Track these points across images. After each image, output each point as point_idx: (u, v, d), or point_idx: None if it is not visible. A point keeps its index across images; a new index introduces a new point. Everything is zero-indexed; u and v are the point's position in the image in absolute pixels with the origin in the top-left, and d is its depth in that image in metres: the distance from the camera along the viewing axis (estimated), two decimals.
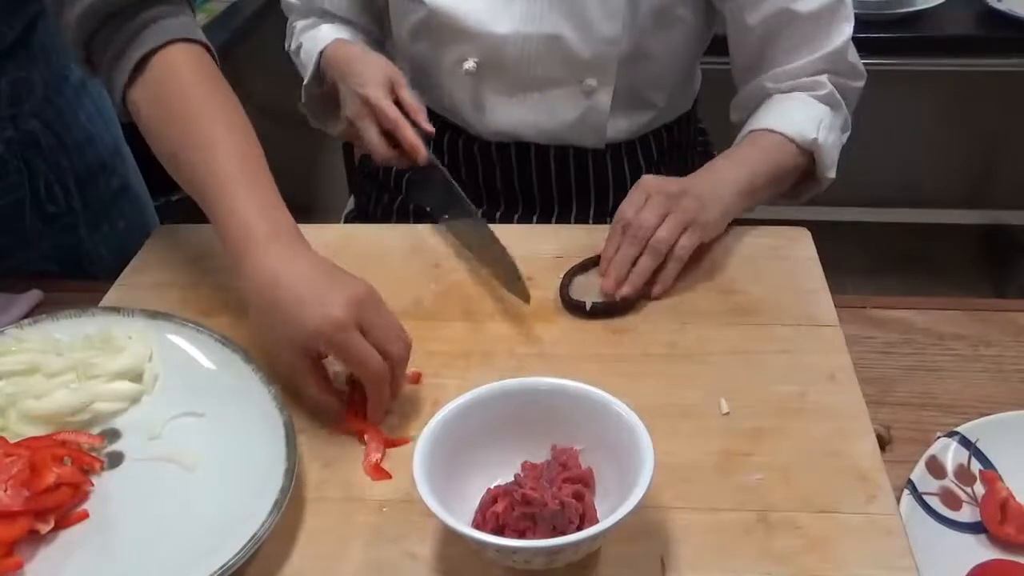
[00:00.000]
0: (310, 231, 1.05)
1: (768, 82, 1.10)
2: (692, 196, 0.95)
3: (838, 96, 1.10)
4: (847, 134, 1.14)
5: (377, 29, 1.24)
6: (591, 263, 0.97)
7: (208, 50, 0.92)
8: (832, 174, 1.09)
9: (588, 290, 0.94)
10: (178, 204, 1.96)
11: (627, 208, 0.95)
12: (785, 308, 0.92)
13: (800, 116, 1.06)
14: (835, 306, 0.92)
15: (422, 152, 1.02)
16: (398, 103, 1.03)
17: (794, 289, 0.94)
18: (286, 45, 1.25)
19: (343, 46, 1.12)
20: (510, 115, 1.13)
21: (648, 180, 0.97)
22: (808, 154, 1.06)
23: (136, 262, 1.03)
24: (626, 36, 1.07)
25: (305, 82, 1.16)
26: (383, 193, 1.28)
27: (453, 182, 1.03)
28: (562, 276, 0.95)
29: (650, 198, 0.95)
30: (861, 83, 1.14)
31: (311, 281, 0.76)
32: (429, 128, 1.03)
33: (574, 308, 0.92)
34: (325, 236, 1.05)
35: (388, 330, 0.77)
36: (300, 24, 1.21)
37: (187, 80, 0.87)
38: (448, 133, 1.19)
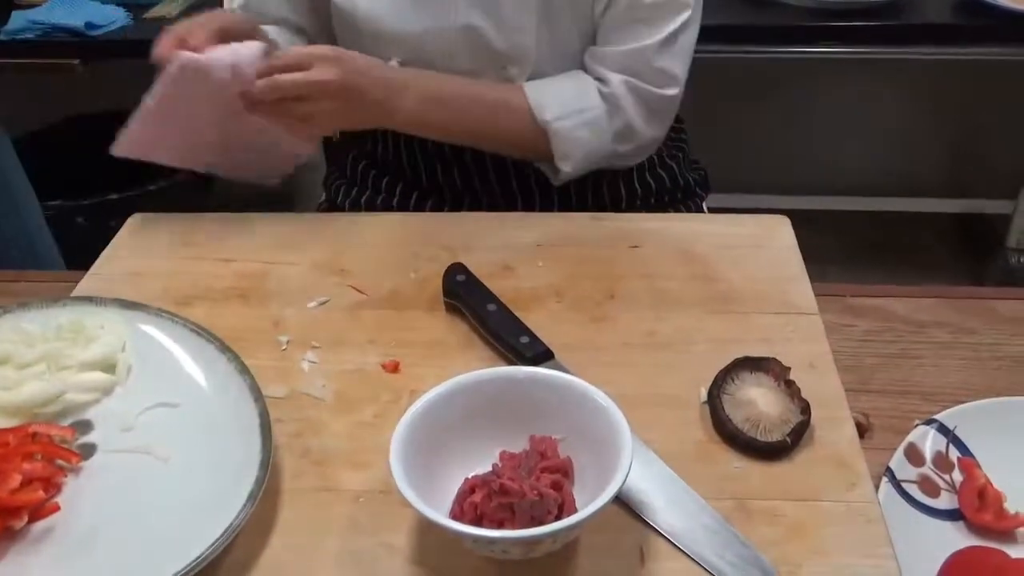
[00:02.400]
0: (288, 220, 1.05)
1: (586, 57, 1.11)
2: (342, 103, 0.98)
3: (622, 100, 1.08)
4: (629, 145, 1.11)
5: (316, 31, 1.21)
6: (743, 365, 0.81)
7: None
8: (566, 167, 1.09)
9: (745, 408, 0.77)
10: (154, 193, 1.95)
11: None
12: (765, 297, 0.92)
13: (554, 92, 1.07)
14: (814, 294, 0.91)
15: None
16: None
17: (774, 278, 0.94)
18: None
19: None
20: None
21: (334, 57, 0.98)
22: (542, 129, 1.07)
23: (110, 251, 1.02)
24: (542, 22, 1.07)
25: None
26: (351, 188, 1.28)
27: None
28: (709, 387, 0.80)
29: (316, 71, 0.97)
30: (673, 91, 1.10)
31: None
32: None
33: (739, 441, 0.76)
34: (302, 224, 1.04)
35: None
36: None
37: None
38: (403, 137, 1.19)
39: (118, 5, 2.06)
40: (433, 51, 1.09)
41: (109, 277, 0.97)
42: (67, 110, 2.42)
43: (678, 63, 1.09)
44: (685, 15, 1.08)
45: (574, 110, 1.07)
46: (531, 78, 1.10)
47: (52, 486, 0.71)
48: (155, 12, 2.04)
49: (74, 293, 0.93)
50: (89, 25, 1.98)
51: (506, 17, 1.06)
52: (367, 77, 1.00)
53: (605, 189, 1.20)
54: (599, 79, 1.09)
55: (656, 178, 1.24)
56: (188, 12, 2.03)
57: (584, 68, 1.11)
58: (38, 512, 0.69)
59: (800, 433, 0.75)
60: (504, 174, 1.19)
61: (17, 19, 2.00)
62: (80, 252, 1.09)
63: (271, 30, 1.14)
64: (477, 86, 1.09)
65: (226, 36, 0.97)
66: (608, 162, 1.13)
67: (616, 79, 1.08)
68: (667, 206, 1.26)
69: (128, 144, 0.99)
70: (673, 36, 1.08)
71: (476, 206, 1.21)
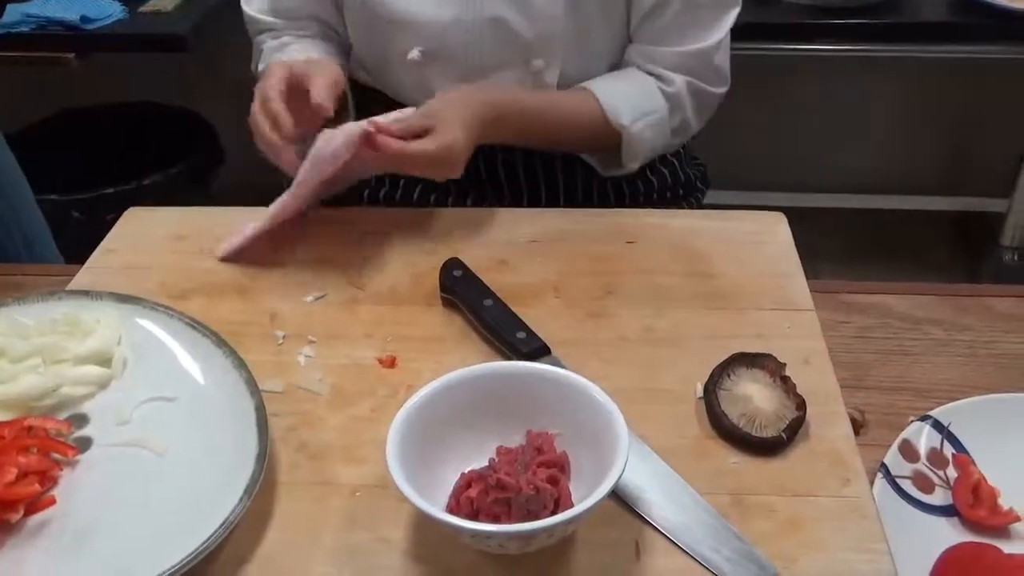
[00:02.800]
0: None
1: (635, 54, 1.12)
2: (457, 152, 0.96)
3: (684, 99, 1.11)
4: (680, 139, 1.16)
5: (343, 27, 1.20)
6: (739, 361, 0.81)
7: None
8: (633, 165, 1.12)
9: (741, 404, 0.77)
10: (150, 187, 1.95)
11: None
12: (761, 293, 0.92)
13: (624, 96, 1.08)
14: (810, 291, 0.92)
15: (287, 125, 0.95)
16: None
17: (770, 274, 0.94)
18: (252, 66, 1.21)
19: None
20: None
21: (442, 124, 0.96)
22: (616, 132, 1.08)
23: (105, 245, 1.01)
24: (569, 14, 1.06)
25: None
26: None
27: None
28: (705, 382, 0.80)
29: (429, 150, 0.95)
30: (723, 89, 1.15)
31: None
32: (320, 102, 0.95)
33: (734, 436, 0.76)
34: (299, 219, 1.04)
35: None
36: (269, 45, 1.17)
37: None
38: None
39: None
40: (457, 42, 1.08)
41: (105, 271, 0.96)
42: (62, 104, 2.41)
43: (727, 60, 1.14)
44: (735, 12, 1.11)
45: (643, 113, 1.09)
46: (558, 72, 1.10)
47: (48, 480, 0.71)
48: (150, 6, 2.03)
49: (70, 287, 0.93)
50: (84, 19, 1.97)
51: (535, 8, 1.05)
52: (466, 141, 0.98)
53: (609, 187, 1.21)
54: (659, 78, 1.10)
55: (658, 174, 1.24)
56: (183, 7, 2.03)
57: (628, 64, 1.12)
58: (34, 506, 0.69)
59: (795, 429, 0.75)
60: (512, 170, 1.19)
61: (12, 12, 1.99)
62: (76, 246, 1.09)
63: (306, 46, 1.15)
64: (551, 95, 1.09)
65: (292, 85, 0.97)
66: (661, 153, 1.16)
67: (679, 80, 1.10)
68: (669, 202, 1.26)
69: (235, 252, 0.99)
70: (727, 36, 1.11)
71: (481, 200, 1.21)
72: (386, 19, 1.08)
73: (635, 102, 1.08)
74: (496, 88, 1.08)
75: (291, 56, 1.10)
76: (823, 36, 2.01)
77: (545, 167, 1.19)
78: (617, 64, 1.15)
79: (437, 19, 1.07)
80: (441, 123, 0.96)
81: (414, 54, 1.08)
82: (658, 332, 0.87)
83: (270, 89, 0.96)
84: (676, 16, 1.08)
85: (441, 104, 0.99)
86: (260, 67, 1.18)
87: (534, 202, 1.20)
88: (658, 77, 1.10)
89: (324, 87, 0.95)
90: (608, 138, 1.09)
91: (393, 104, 1.12)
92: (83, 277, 0.96)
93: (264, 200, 0.99)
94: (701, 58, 1.10)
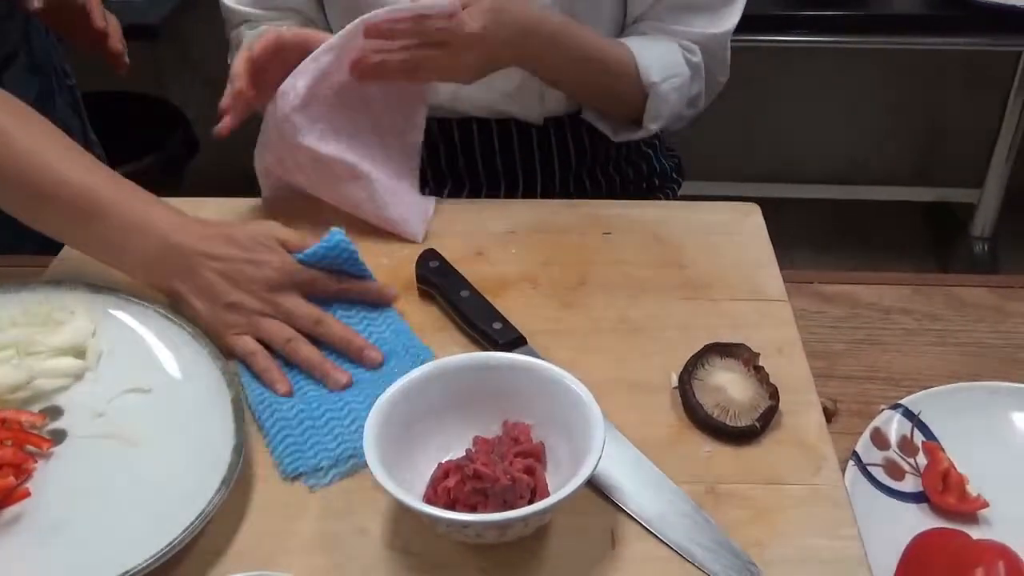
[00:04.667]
0: (260, 204, 1.05)
1: (646, 28, 1.12)
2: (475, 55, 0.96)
3: (701, 72, 1.12)
4: (692, 112, 1.16)
5: (324, 22, 1.18)
6: (713, 351, 0.82)
7: None
8: (654, 126, 1.11)
9: (715, 394, 0.78)
10: (126, 176, 1.93)
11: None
12: (735, 283, 0.92)
13: (657, 55, 1.08)
14: (784, 281, 0.93)
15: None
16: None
17: (744, 264, 0.95)
18: (229, 59, 1.15)
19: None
20: (446, 88, 1.11)
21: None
22: (642, 90, 1.08)
23: None
24: (557, 4, 1.06)
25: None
26: None
27: None
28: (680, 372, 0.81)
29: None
30: (723, 80, 1.17)
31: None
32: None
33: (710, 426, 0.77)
34: (275, 208, 1.04)
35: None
36: (248, 35, 1.15)
37: None
38: None
39: None
40: None
41: (79, 261, 0.95)
42: None
43: (729, 57, 1.16)
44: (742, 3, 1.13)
45: (672, 74, 1.09)
46: None
47: (22, 472, 0.70)
48: None
49: (43, 278, 0.92)
50: None
51: None
52: (511, 27, 0.98)
53: (586, 178, 1.21)
54: (683, 48, 1.11)
55: (634, 166, 1.24)
56: None
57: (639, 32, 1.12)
58: (8, 498, 0.68)
59: (769, 418, 0.76)
60: (491, 157, 1.19)
61: None
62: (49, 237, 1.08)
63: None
64: (590, 32, 1.07)
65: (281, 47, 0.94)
66: (670, 127, 1.16)
67: (699, 52, 1.11)
68: (644, 193, 1.26)
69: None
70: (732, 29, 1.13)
71: (458, 191, 1.21)
72: (376, 5, 1.07)
73: (664, 62, 1.08)
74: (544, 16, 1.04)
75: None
76: (796, 27, 2.02)
77: (523, 157, 1.19)
78: None
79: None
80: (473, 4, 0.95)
81: None
82: (633, 322, 0.88)
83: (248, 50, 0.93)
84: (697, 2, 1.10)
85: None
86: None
87: (511, 193, 1.20)
88: (680, 45, 1.11)
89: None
90: (630, 95, 1.09)
91: None
92: (57, 267, 0.95)
93: (242, 190, 0.98)
94: (715, 42, 1.12)
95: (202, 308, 0.82)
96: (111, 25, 1.30)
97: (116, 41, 1.28)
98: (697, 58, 1.12)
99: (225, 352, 0.80)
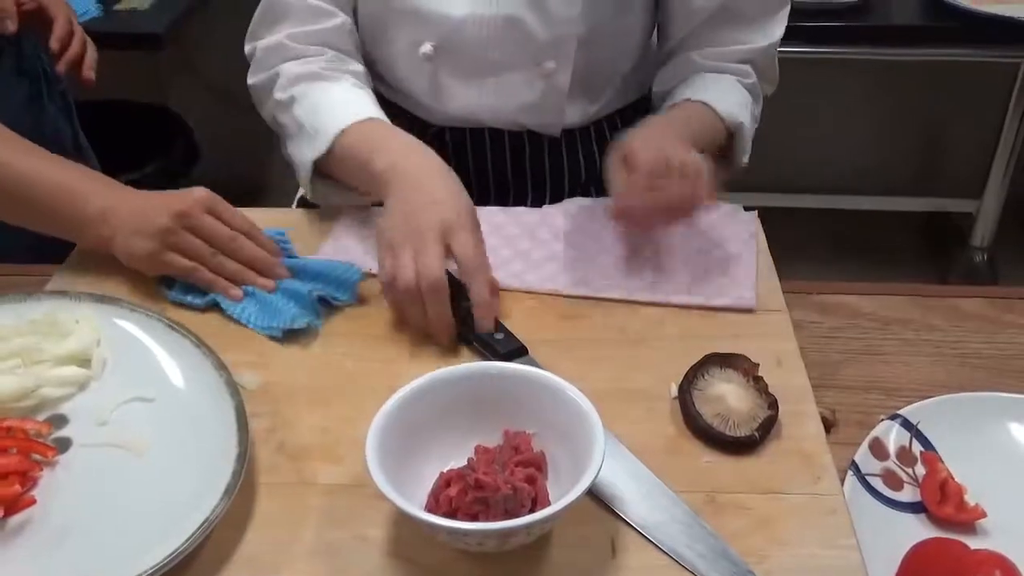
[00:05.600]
0: (263, 214, 1.05)
1: (697, 56, 1.12)
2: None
3: (759, 90, 1.14)
4: (754, 127, 1.17)
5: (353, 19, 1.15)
6: (712, 361, 0.82)
7: None
8: (745, 160, 1.12)
9: (714, 404, 0.79)
10: (131, 185, 1.94)
11: (644, 154, 0.92)
12: None
13: (732, 97, 1.09)
14: (783, 292, 0.93)
15: (446, 335, 0.87)
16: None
17: None
18: (252, 79, 1.11)
19: (379, 127, 1.01)
20: (467, 99, 1.12)
21: (638, 151, 0.93)
22: (729, 136, 1.08)
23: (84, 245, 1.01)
24: (584, 18, 1.07)
25: (314, 156, 1.01)
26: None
27: None
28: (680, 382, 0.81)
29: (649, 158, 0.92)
30: (771, 90, 1.18)
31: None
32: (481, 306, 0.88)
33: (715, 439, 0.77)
34: (277, 219, 1.04)
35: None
36: (292, 72, 1.06)
37: None
38: (401, 122, 1.19)
39: None
40: (469, 39, 1.07)
41: (83, 271, 0.96)
42: None
43: (777, 66, 1.16)
44: (787, 10, 1.13)
45: (747, 105, 1.10)
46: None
47: (28, 480, 0.71)
48: (126, 3, 2.03)
49: (48, 287, 0.93)
50: None
51: (551, 9, 1.05)
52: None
53: (592, 187, 1.22)
54: (736, 73, 1.12)
55: None
56: (159, 5, 2.02)
57: (690, 65, 1.13)
58: (14, 506, 0.69)
59: (768, 428, 0.76)
60: (502, 170, 1.19)
61: None
62: (52, 245, 1.08)
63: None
64: (678, 116, 1.07)
65: None
66: None
67: (751, 70, 1.12)
68: None
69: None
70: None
71: None
72: (404, 11, 1.07)
73: (737, 100, 1.09)
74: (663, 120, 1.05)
75: (340, 100, 1.04)
76: (797, 39, 2.03)
77: (534, 167, 1.19)
78: (629, 74, 1.17)
79: (453, 14, 1.06)
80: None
81: (426, 48, 1.08)
82: (632, 333, 0.88)
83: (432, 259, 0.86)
84: (743, 16, 1.10)
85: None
86: (283, 96, 1.06)
87: (520, 202, 1.20)
88: (732, 72, 1.12)
89: None
90: (720, 142, 1.09)
91: (384, 100, 1.12)
92: (61, 277, 0.96)
93: (242, 200, 0.99)
94: (764, 56, 1.13)
95: (137, 244, 0.91)
96: (88, 56, 1.33)
97: (88, 68, 1.31)
98: (751, 79, 1.12)
99: (159, 275, 0.93)
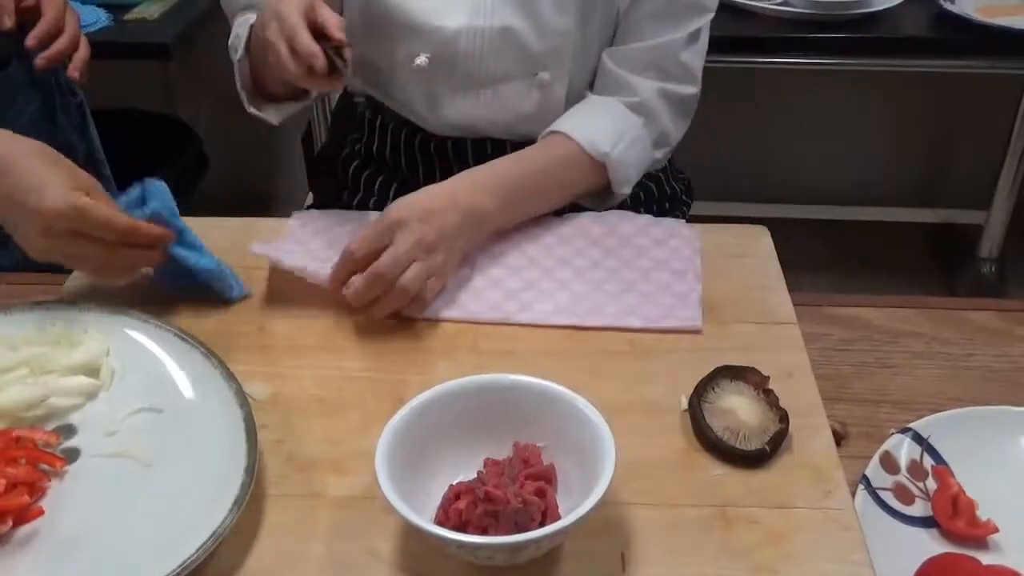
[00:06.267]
0: (270, 223, 1.05)
1: (606, 57, 1.11)
2: (445, 248, 0.92)
3: (656, 108, 1.10)
4: (664, 151, 1.14)
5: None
6: (723, 374, 0.82)
7: None
8: (625, 190, 1.09)
9: (725, 417, 0.78)
10: None
11: (375, 247, 0.90)
12: (744, 306, 0.93)
13: (600, 125, 1.07)
14: (792, 304, 0.93)
15: (319, 58, 0.87)
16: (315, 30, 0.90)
17: (753, 287, 0.95)
18: (231, 41, 1.10)
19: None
20: (464, 110, 1.12)
21: (404, 218, 0.91)
22: (602, 165, 1.06)
23: None
24: (578, 29, 1.07)
25: (238, 56, 1.03)
26: (342, 191, 1.27)
27: None
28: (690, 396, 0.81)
29: (401, 242, 0.90)
30: (693, 90, 1.13)
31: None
32: (339, 36, 0.89)
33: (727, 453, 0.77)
34: (280, 228, 1.04)
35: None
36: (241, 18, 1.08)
37: None
38: (403, 131, 1.19)
39: (99, 6, 2.05)
40: (464, 50, 1.07)
41: (92, 281, 0.96)
42: None
43: (698, 61, 1.13)
44: (708, 17, 1.11)
45: (619, 134, 1.07)
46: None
47: (36, 490, 0.71)
48: (136, 14, 2.03)
49: (57, 297, 0.93)
50: None
51: (546, 19, 1.05)
52: (449, 226, 0.93)
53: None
54: (624, 89, 1.10)
55: (644, 188, 1.25)
56: (168, 15, 2.03)
57: (602, 73, 1.12)
58: (23, 516, 0.69)
59: (778, 441, 0.76)
60: None
61: None
62: None
63: None
64: (527, 155, 1.06)
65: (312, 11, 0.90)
66: (647, 171, 1.14)
67: (647, 87, 1.09)
68: (656, 215, 1.26)
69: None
70: (696, 34, 1.11)
71: None
72: (398, 23, 1.07)
73: (607, 127, 1.07)
74: (469, 173, 1.01)
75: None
76: (804, 49, 2.03)
77: None
78: None
79: (447, 25, 1.06)
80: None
81: (421, 60, 1.07)
82: (642, 345, 0.88)
83: (291, 15, 0.88)
84: (650, 9, 1.08)
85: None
86: (240, 37, 1.05)
87: None
88: (624, 87, 1.10)
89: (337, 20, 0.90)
90: (594, 173, 1.07)
91: (385, 110, 1.12)
92: (71, 287, 0.96)
93: (250, 209, 0.99)
94: (667, 51, 1.09)
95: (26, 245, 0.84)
96: (77, 55, 1.32)
97: (74, 68, 1.30)
98: (641, 97, 1.09)
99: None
